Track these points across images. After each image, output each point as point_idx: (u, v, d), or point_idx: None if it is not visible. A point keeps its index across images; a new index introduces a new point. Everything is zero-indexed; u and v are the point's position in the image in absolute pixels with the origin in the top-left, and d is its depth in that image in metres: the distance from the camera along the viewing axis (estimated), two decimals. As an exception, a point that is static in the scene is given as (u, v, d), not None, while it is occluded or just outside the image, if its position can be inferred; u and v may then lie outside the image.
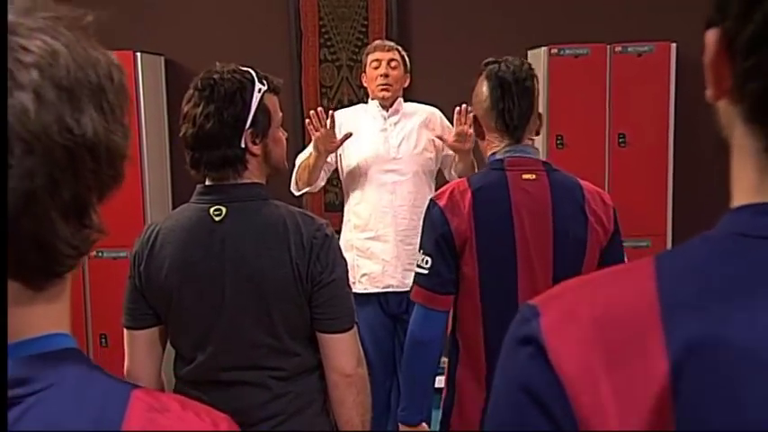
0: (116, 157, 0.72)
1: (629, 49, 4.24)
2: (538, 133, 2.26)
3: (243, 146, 1.91)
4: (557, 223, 2.11)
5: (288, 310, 1.91)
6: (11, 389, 0.66)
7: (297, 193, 3.56)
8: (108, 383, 0.72)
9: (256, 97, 1.92)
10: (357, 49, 4.63)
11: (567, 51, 4.26)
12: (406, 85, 3.62)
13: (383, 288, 3.47)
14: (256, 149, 1.93)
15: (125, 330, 2.01)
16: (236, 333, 1.91)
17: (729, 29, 0.65)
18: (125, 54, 4.14)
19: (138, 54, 4.20)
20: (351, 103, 4.63)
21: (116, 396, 0.71)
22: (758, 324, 0.61)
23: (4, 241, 0.66)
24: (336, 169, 3.60)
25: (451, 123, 3.42)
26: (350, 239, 3.52)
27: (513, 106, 2.15)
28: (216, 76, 1.93)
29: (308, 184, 3.47)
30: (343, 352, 1.94)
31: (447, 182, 3.03)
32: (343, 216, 3.62)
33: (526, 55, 4.50)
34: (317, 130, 3.29)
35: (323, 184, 3.62)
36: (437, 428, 2.31)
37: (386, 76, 3.50)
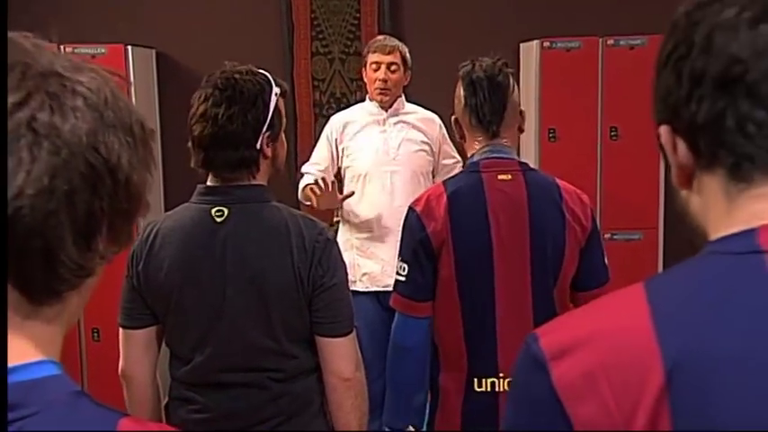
0: (134, 190, 0.75)
1: (622, 43, 4.24)
2: (522, 130, 2.27)
3: (258, 147, 1.91)
4: (533, 222, 2.12)
5: (288, 313, 1.90)
6: None
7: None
8: (95, 412, 0.72)
9: (273, 101, 1.93)
10: (349, 42, 4.63)
11: (560, 44, 4.26)
12: (407, 83, 3.61)
13: (383, 287, 3.49)
14: (269, 151, 1.94)
15: (121, 330, 2.00)
16: (236, 335, 1.90)
17: (672, 104, 0.78)
18: (116, 47, 4.12)
19: (130, 47, 4.18)
20: (343, 96, 4.63)
21: (102, 425, 0.70)
22: (744, 336, 0.67)
23: (5, 241, 0.66)
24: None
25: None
26: (349, 239, 3.54)
27: (485, 101, 2.16)
28: (237, 77, 1.91)
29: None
30: (342, 356, 1.94)
31: None
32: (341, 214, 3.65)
33: (518, 48, 4.51)
34: (319, 194, 3.33)
35: None
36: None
37: (385, 81, 3.49)
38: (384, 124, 3.55)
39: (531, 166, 2.24)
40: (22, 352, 0.70)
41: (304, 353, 1.96)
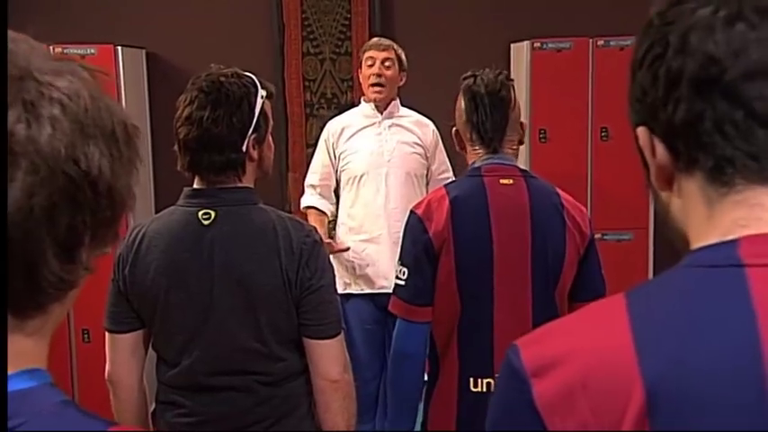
0: (117, 198, 0.73)
1: (612, 43, 4.25)
2: (521, 143, 2.27)
3: (244, 150, 1.91)
4: (535, 226, 2.13)
5: (275, 316, 1.90)
6: None
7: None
8: (82, 421, 0.71)
9: (259, 103, 1.92)
10: (340, 42, 4.62)
11: (550, 45, 4.26)
12: (402, 83, 3.61)
13: (377, 289, 3.51)
14: (255, 154, 1.94)
15: (107, 334, 1.99)
16: (224, 338, 1.89)
17: (649, 105, 0.77)
18: (106, 48, 4.10)
19: (119, 48, 4.16)
20: (333, 96, 4.63)
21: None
22: (721, 346, 0.67)
23: (5, 243, 0.65)
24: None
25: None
26: (345, 241, 3.56)
27: (486, 118, 2.16)
28: (222, 80, 1.90)
29: None
30: (330, 358, 1.93)
31: None
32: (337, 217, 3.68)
33: (509, 49, 4.51)
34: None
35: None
36: None
37: (379, 75, 3.50)
38: (379, 126, 3.56)
39: (532, 173, 2.25)
40: (9, 363, 0.69)
41: (292, 355, 1.95)
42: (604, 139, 4.29)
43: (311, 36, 4.63)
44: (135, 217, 4.20)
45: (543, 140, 4.30)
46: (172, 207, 1.97)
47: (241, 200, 1.93)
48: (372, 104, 3.57)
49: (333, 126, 3.64)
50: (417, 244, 2.15)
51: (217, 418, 1.93)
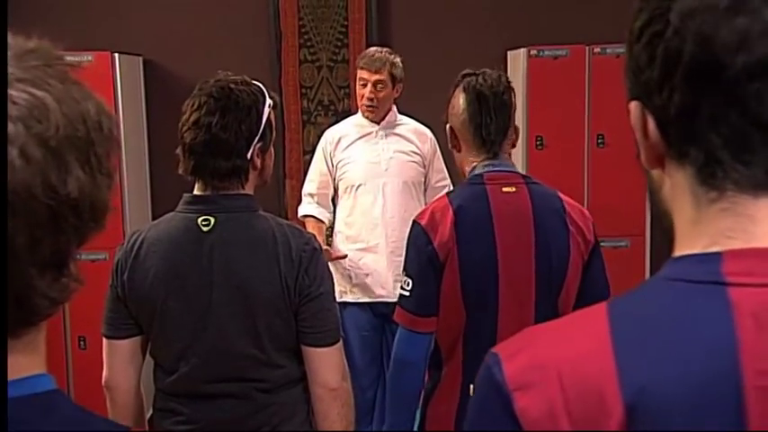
0: (99, 211, 0.71)
1: (608, 51, 4.26)
2: (514, 145, 2.26)
3: (249, 157, 1.91)
4: (538, 234, 2.11)
5: (274, 323, 1.89)
6: None
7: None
8: (98, 423, 0.71)
9: (266, 112, 1.93)
10: (337, 50, 4.63)
11: (547, 53, 4.27)
12: (397, 95, 3.59)
13: (375, 298, 3.51)
14: (258, 162, 1.94)
15: (104, 340, 1.98)
16: (222, 344, 1.89)
17: (644, 83, 0.74)
18: (103, 55, 4.11)
19: (117, 55, 4.17)
20: (331, 104, 4.63)
21: None
22: (702, 365, 0.66)
23: (5, 244, 0.64)
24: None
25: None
26: (342, 250, 3.56)
27: (491, 121, 2.14)
28: (232, 86, 1.90)
29: None
30: (329, 366, 1.93)
31: None
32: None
33: (505, 56, 4.52)
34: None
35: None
36: None
37: (371, 99, 3.48)
38: (376, 136, 3.56)
39: (534, 179, 2.23)
40: (12, 371, 0.69)
41: (290, 363, 1.95)
42: (600, 146, 4.30)
43: (308, 44, 4.64)
44: (132, 223, 4.20)
45: (540, 147, 4.31)
46: (171, 213, 1.97)
47: (241, 207, 1.93)
48: (367, 117, 3.58)
49: (330, 135, 3.64)
50: (421, 255, 2.13)
51: (215, 425, 1.92)
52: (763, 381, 0.65)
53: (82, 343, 4.18)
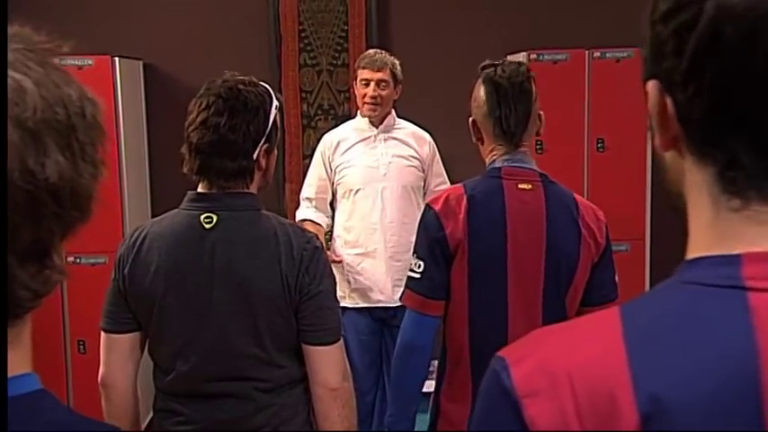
0: (82, 199, 0.69)
1: (608, 55, 4.26)
2: (539, 134, 2.24)
3: (255, 158, 1.92)
4: (549, 234, 2.11)
5: (275, 321, 1.89)
6: None
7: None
8: (84, 424, 0.70)
9: (273, 113, 1.94)
10: (337, 54, 4.63)
11: (546, 57, 4.27)
12: (397, 97, 3.60)
13: (373, 303, 3.51)
14: (264, 163, 1.95)
15: (103, 334, 1.97)
16: (222, 343, 1.89)
17: (666, 71, 0.68)
18: (103, 58, 4.11)
19: (117, 59, 4.17)
20: (330, 108, 4.63)
21: None
22: (716, 371, 0.64)
23: (5, 241, 0.63)
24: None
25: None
26: (341, 255, 3.56)
27: (510, 113, 2.13)
28: (241, 87, 1.91)
29: None
30: (329, 365, 1.92)
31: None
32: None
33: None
34: None
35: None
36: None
37: (374, 97, 3.49)
38: (375, 140, 3.56)
39: (551, 178, 2.22)
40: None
41: (291, 362, 1.95)
42: (600, 150, 4.30)
43: (308, 48, 4.64)
44: (131, 227, 4.20)
45: (539, 151, 4.30)
46: (174, 210, 1.97)
47: (244, 205, 1.93)
48: (368, 119, 3.57)
49: (328, 139, 3.63)
50: (432, 240, 2.12)
51: (215, 425, 1.92)
52: None
53: (81, 347, 4.18)
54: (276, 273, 1.87)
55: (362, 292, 3.52)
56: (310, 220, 3.59)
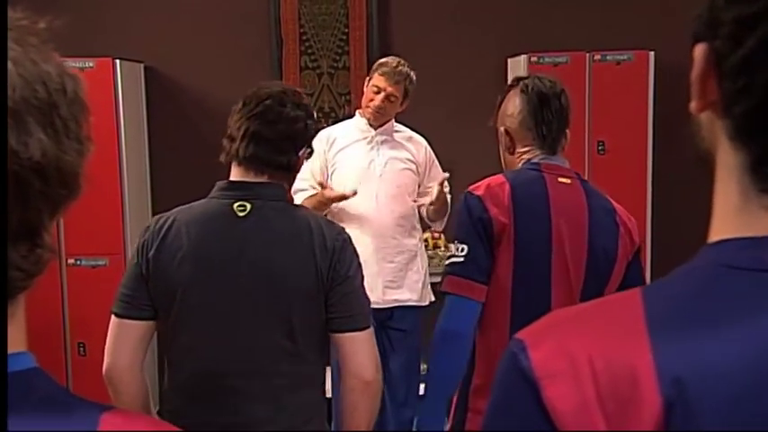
0: (68, 176, 0.68)
1: (609, 58, 4.26)
2: (563, 149, 2.27)
3: (298, 156, 1.98)
4: (591, 228, 2.11)
5: (307, 312, 1.88)
6: None
7: None
8: (77, 402, 0.70)
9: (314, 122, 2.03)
10: (338, 57, 4.64)
11: (547, 59, 4.28)
12: (401, 110, 3.58)
13: (371, 304, 3.47)
14: (300, 165, 2.02)
15: (114, 319, 1.90)
16: (248, 334, 1.85)
17: (719, 48, 0.66)
18: (104, 61, 4.12)
19: (118, 61, 4.17)
20: (331, 111, 4.63)
21: (86, 416, 0.68)
22: (743, 355, 0.62)
23: (4, 237, 0.63)
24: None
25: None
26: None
27: (553, 118, 2.16)
28: (295, 89, 2.03)
29: None
30: (362, 352, 1.90)
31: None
32: None
33: (506, 63, 4.53)
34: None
35: None
36: None
37: (379, 108, 3.47)
38: (372, 141, 3.55)
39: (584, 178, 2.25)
40: None
41: (318, 359, 1.93)
42: (601, 152, 4.30)
43: (309, 51, 4.64)
44: (132, 229, 4.19)
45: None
46: (204, 200, 1.95)
47: (276, 195, 1.94)
48: (367, 120, 3.56)
49: (325, 135, 3.60)
50: (478, 222, 2.07)
51: (229, 425, 1.87)
52: None
53: (81, 349, 4.17)
54: (311, 264, 1.86)
55: None
56: (304, 190, 3.46)
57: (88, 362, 4.06)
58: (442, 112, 4.40)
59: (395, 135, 3.59)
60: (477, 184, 2.17)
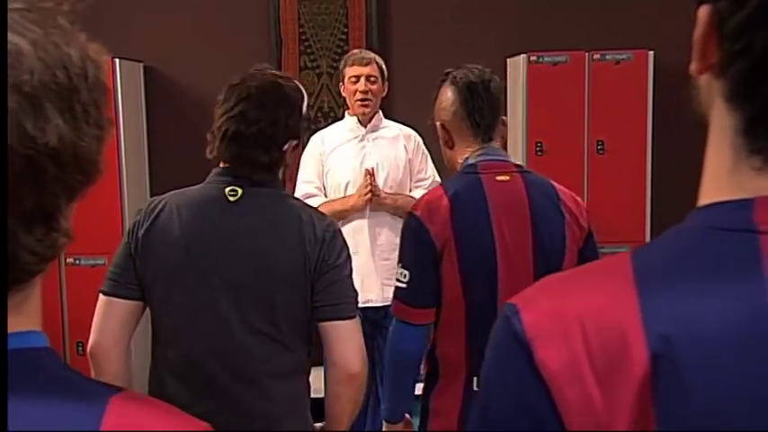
0: (85, 162, 0.67)
1: (608, 57, 4.26)
2: (505, 140, 2.27)
3: (284, 151, 1.94)
4: (535, 221, 2.12)
5: (292, 299, 1.87)
6: None
7: None
8: (86, 384, 0.69)
9: (305, 110, 1.99)
10: (337, 57, 4.63)
11: (546, 59, 4.28)
12: (384, 94, 3.64)
13: (363, 303, 3.47)
14: (290, 158, 1.98)
15: (101, 297, 1.91)
16: (235, 317, 1.85)
17: (722, 9, 0.67)
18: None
19: (117, 60, 4.17)
20: (330, 111, 4.64)
21: (94, 399, 0.67)
22: (729, 313, 0.64)
23: (4, 232, 0.63)
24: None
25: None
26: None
27: (483, 104, 2.17)
28: (280, 81, 1.96)
29: None
30: (348, 341, 1.88)
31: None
32: None
33: (505, 62, 4.53)
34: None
35: None
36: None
37: (365, 92, 3.52)
38: (363, 140, 3.58)
39: (526, 168, 2.25)
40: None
41: (301, 348, 1.92)
42: (600, 152, 4.30)
43: (308, 50, 4.64)
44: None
45: (540, 153, 4.31)
46: (199, 185, 1.96)
47: (268, 182, 1.94)
48: (357, 118, 3.60)
49: (318, 137, 3.64)
50: (419, 245, 2.12)
51: (216, 411, 1.83)
52: None
53: (80, 348, 4.17)
54: (300, 251, 1.86)
55: None
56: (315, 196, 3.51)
57: (87, 361, 4.05)
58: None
59: (385, 131, 3.63)
60: (417, 202, 2.23)
